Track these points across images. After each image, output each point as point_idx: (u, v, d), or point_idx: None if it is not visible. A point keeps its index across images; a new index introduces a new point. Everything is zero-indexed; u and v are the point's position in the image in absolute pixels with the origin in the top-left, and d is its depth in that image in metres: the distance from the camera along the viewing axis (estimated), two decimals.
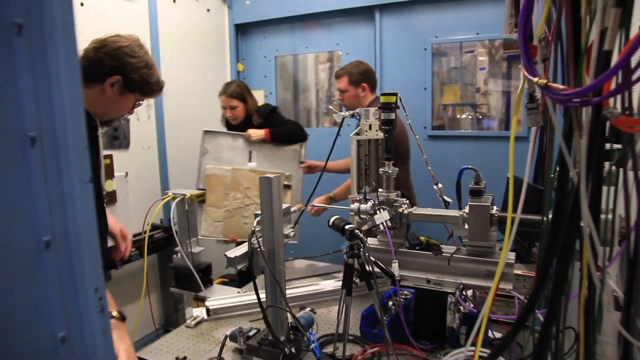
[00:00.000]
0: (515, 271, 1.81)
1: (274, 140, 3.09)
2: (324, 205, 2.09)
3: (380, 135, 2.05)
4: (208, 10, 3.96)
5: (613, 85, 0.71)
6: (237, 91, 3.13)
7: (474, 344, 1.20)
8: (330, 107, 2.74)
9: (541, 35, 0.94)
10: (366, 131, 2.08)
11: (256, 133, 3.05)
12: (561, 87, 0.78)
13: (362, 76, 2.81)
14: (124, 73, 1.51)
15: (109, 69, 1.49)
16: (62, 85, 0.75)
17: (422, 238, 1.76)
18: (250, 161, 3.11)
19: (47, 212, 0.77)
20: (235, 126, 3.22)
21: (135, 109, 1.70)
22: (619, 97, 0.80)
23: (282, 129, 3.11)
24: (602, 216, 1.17)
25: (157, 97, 1.75)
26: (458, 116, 3.71)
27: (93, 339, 0.84)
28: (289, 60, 4.28)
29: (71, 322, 0.82)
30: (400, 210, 1.74)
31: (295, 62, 4.40)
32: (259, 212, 1.54)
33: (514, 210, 1.02)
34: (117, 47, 1.50)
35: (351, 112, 2.16)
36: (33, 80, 0.73)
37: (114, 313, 1.37)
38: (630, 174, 0.88)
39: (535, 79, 0.84)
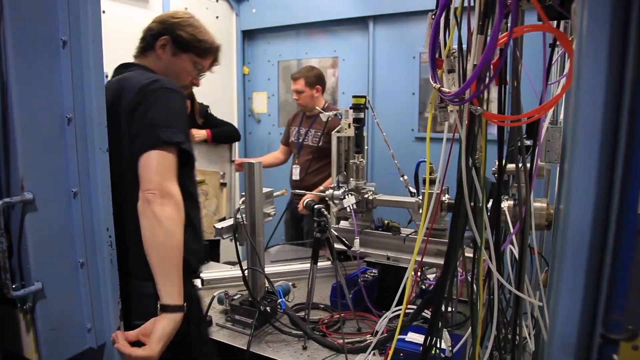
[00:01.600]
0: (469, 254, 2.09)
1: (215, 141, 3.16)
2: (304, 192, 2.39)
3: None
4: (217, 17, 4.30)
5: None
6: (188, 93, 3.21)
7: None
8: (317, 107, 3.05)
9: (451, 51, 1.23)
10: (345, 129, 2.37)
11: (199, 133, 3.09)
12: (446, 90, 1.08)
13: (316, 79, 3.14)
14: (171, 31, 1.47)
15: (156, 31, 1.48)
16: (91, 82, 1.07)
17: (385, 221, 2.06)
18: None
19: (76, 168, 1.10)
20: None
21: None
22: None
23: (222, 130, 3.24)
24: (509, 203, 1.46)
25: (216, 63, 1.66)
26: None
27: (103, 265, 1.15)
28: (291, 64, 4.59)
29: (89, 252, 1.14)
30: (366, 196, 2.04)
31: (297, 66, 4.72)
32: (243, 192, 1.85)
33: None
34: (165, 14, 1.55)
35: (334, 112, 2.47)
36: (71, 79, 1.06)
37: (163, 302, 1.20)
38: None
39: (435, 85, 1.14)
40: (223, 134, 3.22)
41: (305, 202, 1.92)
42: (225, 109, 3.56)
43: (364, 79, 4.03)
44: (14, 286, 1.01)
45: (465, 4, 1.09)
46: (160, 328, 1.14)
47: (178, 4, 3.83)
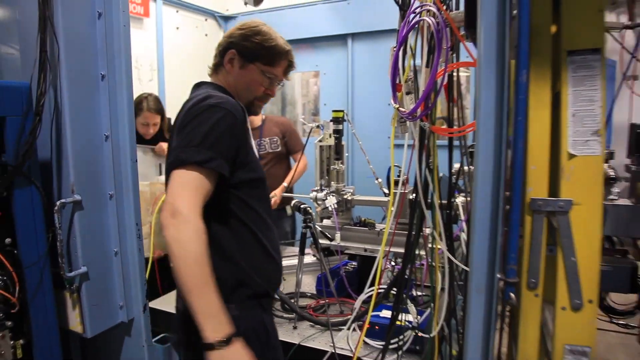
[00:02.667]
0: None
1: None
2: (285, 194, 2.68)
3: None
4: (206, 35, 4.58)
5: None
6: (160, 107, 3.02)
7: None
8: (301, 119, 3.35)
9: (409, 77, 1.55)
10: (327, 139, 2.68)
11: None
12: (402, 109, 1.39)
13: None
14: (237, 44, 1.42)
15: (223, 47, 1.44)
16: (124, 106, 1.36)
17: (362, 219, 2.36)
18: (160, 174, 2.97)
19: (112, 175, 1.37)
20: (145, 141, 2.99)
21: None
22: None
23: None
24: (463, 199, 1.78)
25: (291, 68, 1.56)
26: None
27: (133, 253, 1.43)
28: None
29: (121, 242, 1.41)
30: (346, 197, 2.34)
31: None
32: None
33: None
34: (232, 28, 1.48)
35: (317, 124, 2.78)
36: (108, 104, 1.34)
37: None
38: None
39: (395, 105, 1.45)
40: None
41: (292, 204, 2.21)
42: None
43: (343, 91, 4.35)
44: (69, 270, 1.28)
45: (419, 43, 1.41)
46: None
47: (171, 24, 4.11)
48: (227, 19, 4.81)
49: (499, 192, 0.95)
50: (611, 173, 1.56)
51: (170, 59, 4.02)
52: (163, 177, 3.23)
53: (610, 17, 5.45)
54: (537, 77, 1.08)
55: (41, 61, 1.15)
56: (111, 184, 1.37)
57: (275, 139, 3.39)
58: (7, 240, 1.14)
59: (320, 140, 2.71)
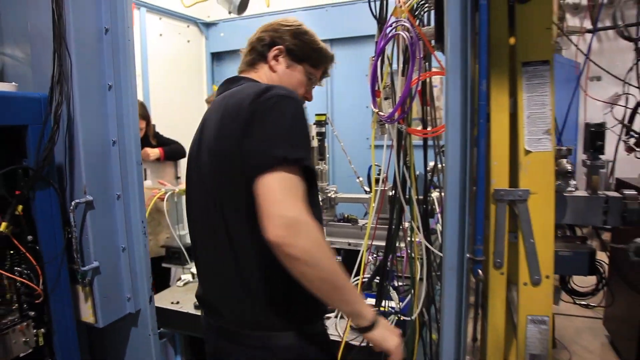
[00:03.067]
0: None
1: (166, 159, 3.24)
2: None
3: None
4: (188, 41, 4.68)
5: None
6: (145, 113, 3.12)
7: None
8: None
9: (386, 84, 1.71)
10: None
11: (153, 152, 3.15)
12: (381, 113, 1.56)
13: None
14: (285, 40, 1.31)
15: (268, 41, 1.31)
16: (129, 114, 1.49)
17: (345, 215, 2.52)
18: (145, 179, 3.02)
19: (119, 177, 1.50)
20: None
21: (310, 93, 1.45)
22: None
23: (171, 147, 3.31)
24: (438, 194, 1.96)
25: (326, 75, 1.50)
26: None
27: (139, 249, 1.55)
28: None
29: (128, 239, 1.54)
30: (330, 195, 2.50)
31: None
32: None
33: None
34: (273, 22, 1.35)
35: None
36: (115, 112, 1.46)
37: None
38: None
39: (375, 109, 1.61)
40: (173, 152, 3.36)
41: None
42: (197, 125, 3.91)
43: (323, 94, 4.51)
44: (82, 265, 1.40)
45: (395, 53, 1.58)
46: (379, 339, 1.10)
47: (154, 31, 4.20)
48: (208, 25, 4.92)
49: (465, 184, 1.12)
50: (569, 167, 1.75)
51: (154, 65, 4.11)
52: (149, 182, 3.36)
53: (573, 22, 5.75)
54: (497, 85, 1.26)
55: (57, 75, 1.27)
56: (119, 185, 1.49)
57: None
58: (29, 237, 1.25)
59: None
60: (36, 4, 1.40)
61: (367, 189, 2.65)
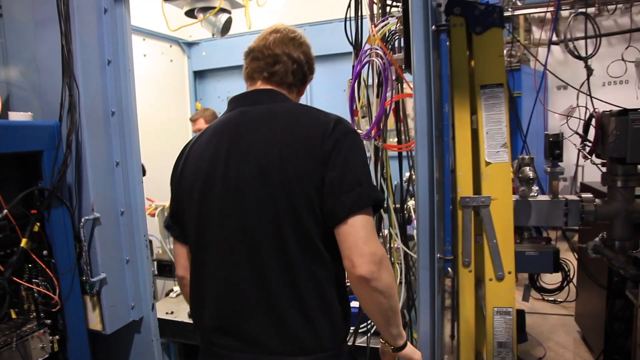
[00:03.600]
0: None
1: None
2: None
3: None
4: (171, 60, 4.82)
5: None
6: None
7: None
8: None
9: (363, 104, 1.88)
10: None
11: None
12: (359, 131, 1.73)
13: (212, 117, 3.72)
14: (312, 69, 1.33)
15: (306, 69, 1.27)
16: (132, 138, 1.62)
17: None
18: None
19: (123, 195, 1.63)
20: None
21: None
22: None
23: None
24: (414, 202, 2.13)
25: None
26: None
27: (142, 260, 1.68)
28: None
29: (132, 251, 1.67)
30: None
31: None
32: None
33: None
34: (301, 37, 1.28)
35: None
36: (118, 136, 1.60)
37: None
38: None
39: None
40: None
41: None
42: (180, 141, 4.01)
43: None
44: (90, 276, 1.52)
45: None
46: (411, 353, 1.19)
47: (137, 51, 4.32)
48: (190, 44, 5.07)
49: (433, 193, 1.29)
50: (531, 174, 1.95)
51: (139, 84, 4.22)
52: None
53: (539, 34, 6.07)
54: (460, 105, 1.45)
55: (68, 104, 1.41)
56: (122, 202, 1.62)
57: None
58: (44, 252, 1.38)
59: None
60: (44, 39, 1.53)
61: None
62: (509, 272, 1.49)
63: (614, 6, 5.10)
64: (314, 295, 1.05)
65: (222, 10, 3.18)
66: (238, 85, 4.29)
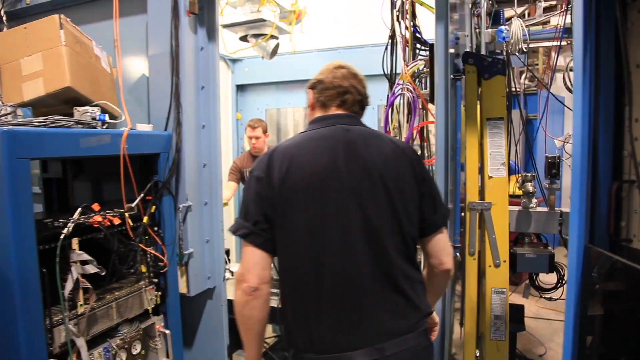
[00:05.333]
0: None
1: None
2: None
3: None
4: None
5: None
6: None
7: None
8: (265, 149, 4.08)
9: (395, 126, 2.34)
10: None
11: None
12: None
13: (266, 128, 4.16)
14: (369, 102, 1.47)
15: (365, 99, 1.44)
16: (216, 144, 2.11)
17: None
18: None
19: (208, 189, 2.12)
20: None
21: None
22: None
23: None
24: None
25: None
26: None
27: (218, 241, 2.15)
28: (275, 112, 5.70)
29: (211, 234, 2.14)
30: None
31: (279, 114, 5.84)
32: None
33: None
34: (364, 79, 1.45)
35: None
36: (207, 146, 2.10)
37: None
38: None
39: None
40: None
41: None
42: (223, 147, 4.47)
43: None
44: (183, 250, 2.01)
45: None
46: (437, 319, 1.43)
47: None
48: (234, 61, 5.63)
49: (447, 197, 1.75)
50: (531, 189, 2.37)
51: None
52: None
53: (559, 60, 6.45)
54: (471, 132, 1.90)
55: (175, 120, 1.92)
56: (206, 195, 2.11)
57: None
58: (156, 228, 1.87)
59: None
60: (156, 70, 2.04)
61: None
62: (504, 261, 1.93)
63: None
64: (418, 279, 1.28)
65: (272, 36, 3.68)
66: (274, 99, 4.86)
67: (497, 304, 1.93)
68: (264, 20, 3.50)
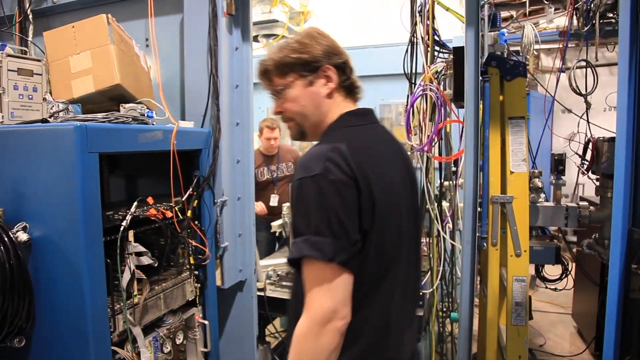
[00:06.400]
0: None
1: None
2: None
3: None
4: None
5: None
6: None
7: None
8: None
9: (415, 125, 2.46)
10: None
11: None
12: (415, 145, 2.30)
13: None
14: None
15: None
16: (248, 142, 2.18)
17: None
18: None
19: (242, 185, 2.20)
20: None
21: None
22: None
23: None
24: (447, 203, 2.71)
25: None
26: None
27: (250, 236, 2.24)
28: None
29: (243, 228, 2.22)
30: None
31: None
32: None
33: None
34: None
35: None
36: (241, 143, 2.17)
37: None
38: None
39: (408, 142, 2.36)
40: None
41: None
42: None
43: None
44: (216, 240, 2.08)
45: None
46: None
47: None
48: None
49: (476, 192, 1.87)
50: (540, 184, 2.52)
51: None
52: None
53: (547, 61, 6.72)
54: (494, 131, 2.02)
55: (216, 117, 1.99)
56: (240, 190, 2.19)
57: (289, 164, 4.26)
58: (196, 222, 1.94)
59: None
60: (192, 69, 2.11)
61: None
62: (525, 251, 2.06)
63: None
64: None
65: (283, 37, 3.77)
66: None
67: (518, 291, 2.06)
68: (276, 21, 3.59)
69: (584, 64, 2.65)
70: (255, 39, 3.75)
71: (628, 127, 1.48)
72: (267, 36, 3.68)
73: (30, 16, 2.48)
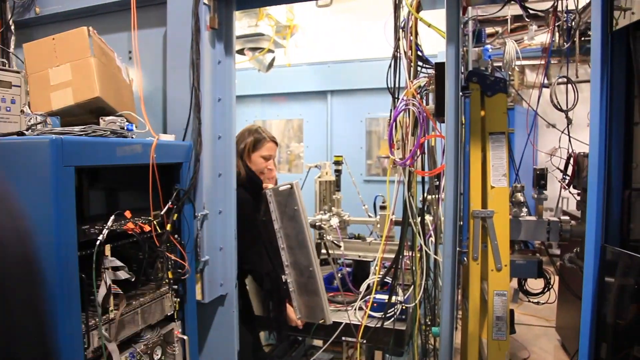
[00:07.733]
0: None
1: None
2: None
3: (332, 178, 3.55)
4: None
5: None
6: None
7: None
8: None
9: (398, 140, 2.47)
10: (324, 175, 3.56)
11: None
12: (396, 159, 2.31)
13: None
14: None
15: None
16: (230, 156, 2.18)
17: (356, 234, 3.24)
18: None
19: (223, 199, 2.19)
20: None
21: None
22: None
23: None
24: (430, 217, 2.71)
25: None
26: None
27: (231, 249, 2.22)
28: (260, 123, 5.78)
29: (224, 242, 2.20)
30: (344, 217, 3.22)
31: (267, 125, 5.92)
32: None
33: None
34: None
35: (315, 163, 3.66)
36: (222, 157, 2.16)
37: None
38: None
39: (391, 157, 2.37)
40: None
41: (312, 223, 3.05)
42: None
43: (323, 137, 5.30)
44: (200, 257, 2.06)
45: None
46: None
47: None
48: None
49: (457, 206, 1.88)
50: (522, 199, 2.54)
51: None
52: None
53: (532, 76, 6.82)
54: (474, 145, 2.04)
55: (197, 130, 1.98)
56: (222, 204, 2.18)
57: None
58: (176, 235, 1.92)
59: (319, 177, 3.60)
60: (175, 82, 2.11)
61: (371, 215, 3.39)
62: (505, 265, 2.06)
63: None
64: None
65: (269, 50, 3.79)
66: (261, 111, 4.97)
67: (499, 305, 2.06)
68: (262, 35, 3.61)
69: (565, 80, 2.70)
70: (241, 52, 3.76)
71: (600, 146, 1.50)
72: (253, 49, 3.70)
73: (13, 27, 2.47)
